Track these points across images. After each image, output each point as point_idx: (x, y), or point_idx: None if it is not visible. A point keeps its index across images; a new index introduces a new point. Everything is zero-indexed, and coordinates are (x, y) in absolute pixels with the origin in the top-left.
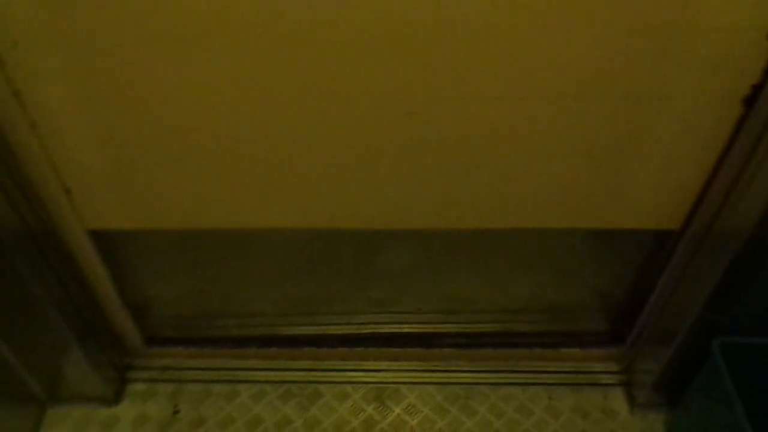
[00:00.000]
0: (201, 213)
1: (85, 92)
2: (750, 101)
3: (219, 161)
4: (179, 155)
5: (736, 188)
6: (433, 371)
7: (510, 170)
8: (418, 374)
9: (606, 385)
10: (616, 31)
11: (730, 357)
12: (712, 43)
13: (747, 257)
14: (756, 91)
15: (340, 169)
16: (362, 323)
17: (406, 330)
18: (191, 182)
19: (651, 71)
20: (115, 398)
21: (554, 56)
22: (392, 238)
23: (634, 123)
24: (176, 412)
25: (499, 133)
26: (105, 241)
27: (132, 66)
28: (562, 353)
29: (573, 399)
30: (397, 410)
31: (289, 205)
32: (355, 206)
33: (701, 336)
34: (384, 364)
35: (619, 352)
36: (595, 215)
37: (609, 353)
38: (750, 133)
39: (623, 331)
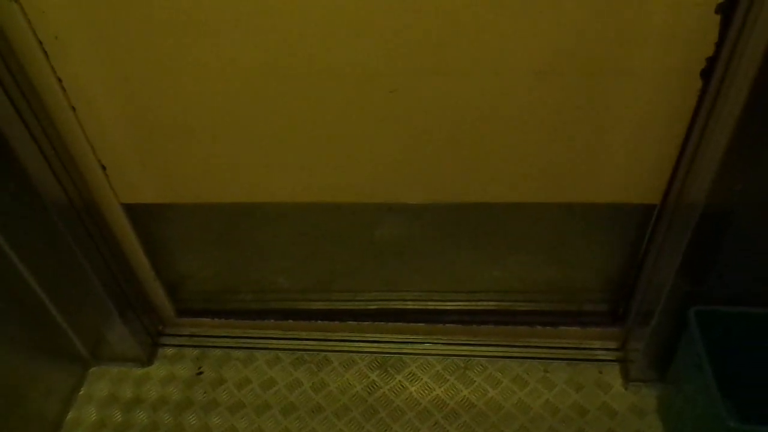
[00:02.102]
0: (216, 187)
1: (116, 79)
2: (707, 74)
3: (231, 140)
4: (196, 134)
5: (694, 161)
6: (435, 344)
7: (489, 145)
8: (421, 346)
9: (602, 361)
10: (578, 9)
11: (706, 326)
12: (665, 18)
13: (706, 227)
14: (711, 63)
15: (335, 146)
16: (370, 300)
17: (411, 306)
18: (205, 160)
19: (611, 46)
20: (148, 360)
21: (524, 34)
22: (390, 214)
23: (604, 97)
24: (200, 373)
25: (475, 108)
26: (138, 216)
27: (157, 54)
28: (562, 331)
29: (568, 372)
30: (399, 377)
31: (291, 180)
32: (351, 180)
33: (679, 307)
34: (389, 337)
35: (618, 331)
36: (576, 189)
37: (608, 332)
38: (707, 105)
39: (623, 311)
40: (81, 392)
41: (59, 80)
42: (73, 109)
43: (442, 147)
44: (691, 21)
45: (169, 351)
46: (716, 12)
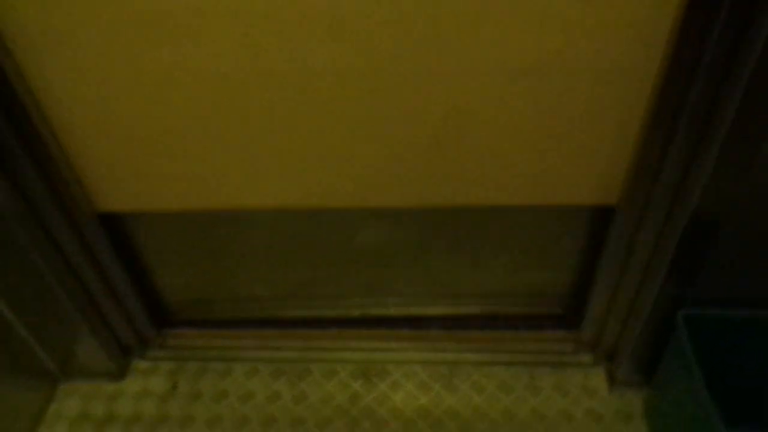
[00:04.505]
0: (191, 194)
1: (89, 85)
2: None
3: (207, 146)
4: (170, 141)
5: (685, 164)
6: (419, 351)
7: (472, 147)
8: (404, 354)
9: (587, 365)
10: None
11: (695, 329)
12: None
13: (695, 231)
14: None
15: (313, 150)
16: (351, 306)
17: (393, 313)
18: (183, 165)
19: (593, 44)
20: (120, 374)
21: (505, 33)
22: (371, 218)
23: (584, 97)
24: (175, 387)
25: (457, 110)
26: (110, 225)
27: (131, 59)
28: (546, 335)
29: (554, 378)
30: (382, 386)
31: (268, 186)
32: (331, 185)
33: (667, 311)
34: (371, 344)
35: (603, 334)
36: (559, 191)
37: (593, 335)
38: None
39: (608, 314)
40: (50, 410)
41: (31, 87)
42: (46, 118)
43: (424, 150)
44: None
45: (143, 364)
46: None
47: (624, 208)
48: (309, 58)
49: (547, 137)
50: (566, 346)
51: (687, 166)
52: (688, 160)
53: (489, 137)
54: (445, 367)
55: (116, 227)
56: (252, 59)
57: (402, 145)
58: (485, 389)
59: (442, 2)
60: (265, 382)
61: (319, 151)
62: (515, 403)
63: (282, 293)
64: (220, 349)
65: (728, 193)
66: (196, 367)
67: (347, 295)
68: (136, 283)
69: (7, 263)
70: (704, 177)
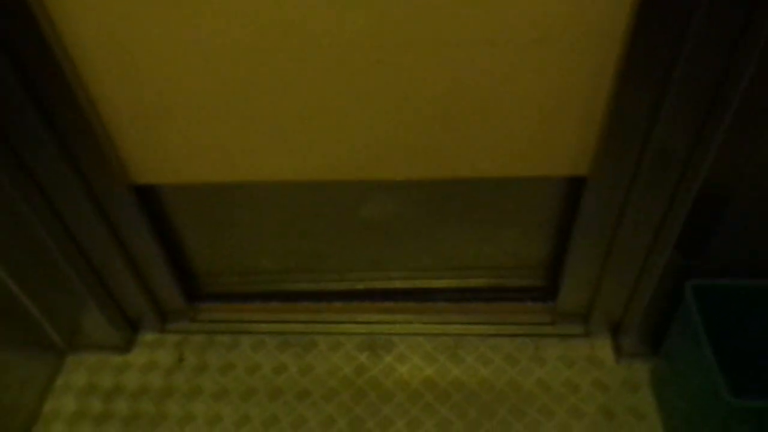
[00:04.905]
0: (197, 167)
1: (121, 67)
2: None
3: (211, 118)
4: (176, 113)
5: (657, 129)
6: (424, 323)
7: (479, 118)
8: (410, 326)
9: (593, 335)
10: None
11: (703, 299)
12: None
13: (705, 201)
14: None
15: (318, 122)
16: (357, 279)
17: (398, 286)
18: (186, 137)
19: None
20: (127, 347)
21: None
22: (377, 191)
23: (594, 66)
24: (181, 359)
25: (464, 80)
26: (118, 198)
27: (139, 27)
28: (552, 307)
29: (560, 349)
30: (388, 359)
31: (274, 158)
32: (337, 157)
33: (675, 281)
34: (377, 317)
35: (609, 305)
36: (566, 162)
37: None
38: None
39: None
40: (58, 382)
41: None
42: (90, 100)
43: (430, 121)
44: None
45: (149, 337)
46: None
47: (595, 178)
48: (313, 27)
49: (527, 107)
50: (571, 317)
51: (697, 137)
52: (692, 129)
53: (499, 108)
54: (450, 339)
55: (139, 199)
56: (257, 31)
57: (408, 117)
58: (491, 361)
59: None
60: (272, 354)
61: (325, 123)
62: (521, 374)
63: (288, 266)
64: (226, 322)
65: (740, 162)
66: (202, 340)
67: (353, 268)
68: (140, 256)
69: (13, 235)
70: (713, 147)
